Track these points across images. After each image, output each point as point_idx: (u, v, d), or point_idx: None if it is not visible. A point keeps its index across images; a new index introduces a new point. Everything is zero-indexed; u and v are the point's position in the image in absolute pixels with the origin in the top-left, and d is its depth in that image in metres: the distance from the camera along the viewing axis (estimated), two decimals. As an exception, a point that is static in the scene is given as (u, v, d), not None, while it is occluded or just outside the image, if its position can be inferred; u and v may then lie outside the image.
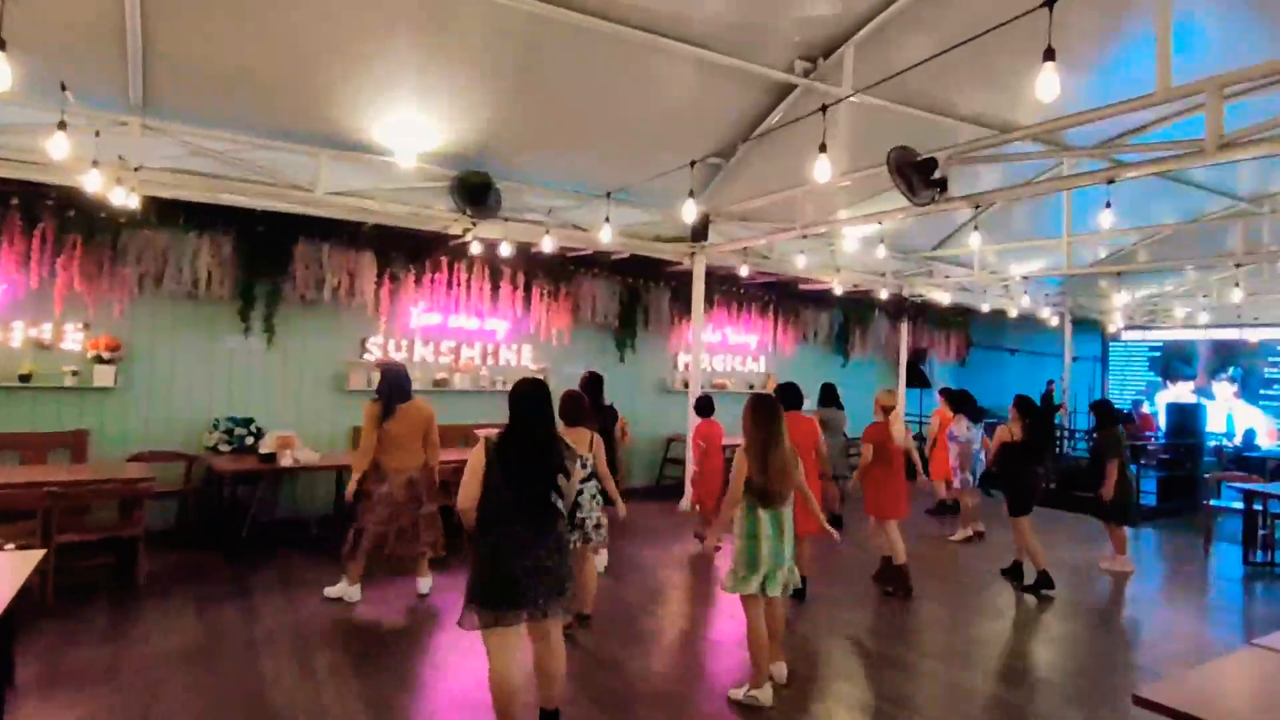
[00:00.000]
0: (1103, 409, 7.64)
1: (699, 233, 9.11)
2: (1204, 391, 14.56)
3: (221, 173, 6.50)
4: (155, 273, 7.08)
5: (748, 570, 4.14)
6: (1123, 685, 4.43)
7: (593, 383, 6.60)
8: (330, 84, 6.18)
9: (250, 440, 7.27)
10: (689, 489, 8.99)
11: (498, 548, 3.38)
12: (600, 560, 6.18)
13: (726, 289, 11.21)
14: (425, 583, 5.82)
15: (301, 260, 7.75)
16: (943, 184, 5.99)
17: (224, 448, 7.20)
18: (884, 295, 11.65)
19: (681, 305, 10.39)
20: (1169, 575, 7.71)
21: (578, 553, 4.92)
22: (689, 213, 6.82)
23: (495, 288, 9.11)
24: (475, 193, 7.32)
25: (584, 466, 4.72)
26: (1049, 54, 3.95)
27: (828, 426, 6.85)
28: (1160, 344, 15.44)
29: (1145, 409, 14.43)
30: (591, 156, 7.69)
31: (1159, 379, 15.42)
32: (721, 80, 6.63)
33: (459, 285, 8.87)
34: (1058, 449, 12.69)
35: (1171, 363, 15.22)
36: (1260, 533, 7.63)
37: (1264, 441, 13.17)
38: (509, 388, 3.67)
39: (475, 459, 3.44)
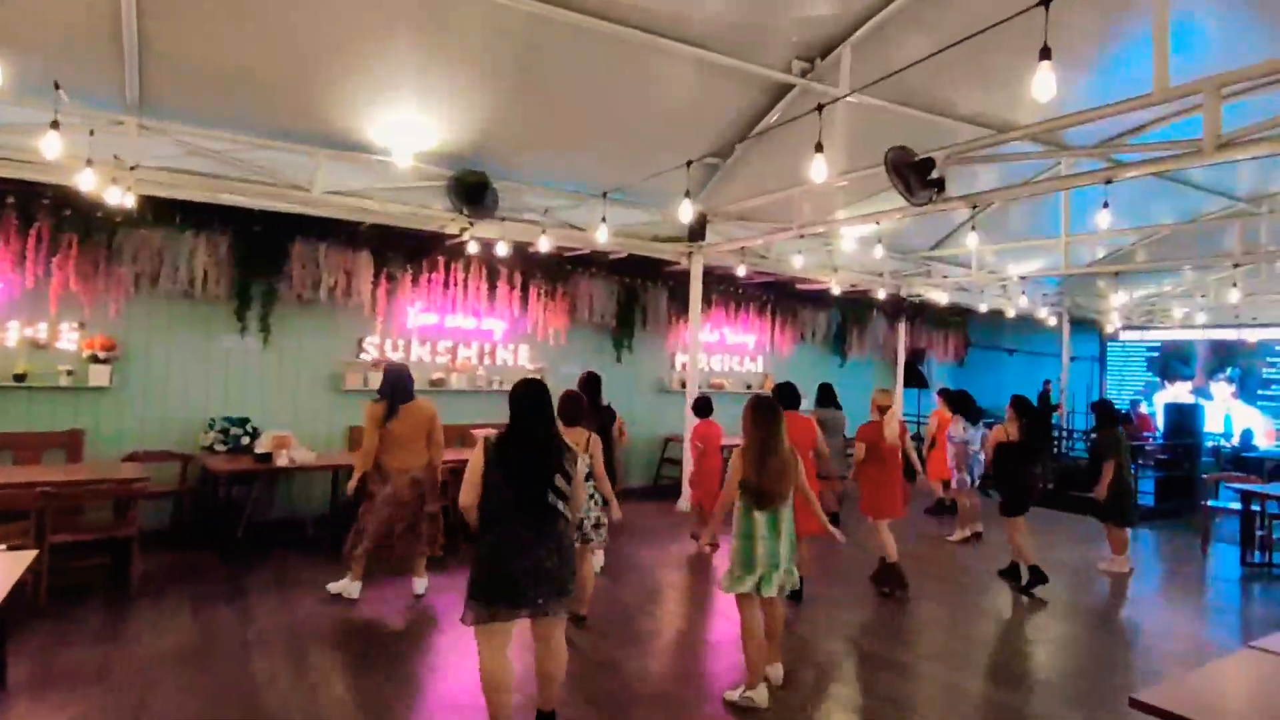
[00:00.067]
0: (1103, 409, 7.62)
1: (696, 233, 9.10)
2: (1202, 392, 14.56)
3: (218, 172, 6.48)
4: (151, 272, 7.05)
5: (743, 570, 4.13)
6: (1121, 686, 4.41)
7: (591, 383, 6.59)
8: (327, 83, 6.16)
9: (246, 440, 7.25)
10: (686, 489, 8.98)
11: (498, 547, 3.40)
12: (596, 560, 6.17)
13: (724, 289, 11.20)
14: (421, 583, 5.81)
15: (298, 260, 7.72)
16: (940, 184, 5.98)
17: (219, 448, 7.18)
18: (882, 295, 11.64)
19: (679, 305, 10.38)
20: (1167, 576, 7.71)
21: (577, 553, 4.90)
22: (685, 213, 6.81)
23: (492, 287, 9.09)
24: (472, 192, 7.30)
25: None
26: (1045, 53, 3.94)
27: (826, 427, 6.83)
28: (1158, 344, 15.45)
29: (1143, 409, 14.43)
30: (589, 156, 7.68)
31: (1157, 379, 15.42)
32: (719, 80, 6.62)
33: (456, 285, 8.86)
34: (1055, 449, 12.69)
35: (1169, 363, 15.22)
36: (1258, 533, 7.62)
37: (1262, 442, 13.17)
38: (506, 388, 3.67)
39: (475, 459, 3.47)
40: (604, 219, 7.46)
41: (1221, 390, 14.40)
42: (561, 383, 6.72)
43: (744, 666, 4.27)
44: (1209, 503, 8.60)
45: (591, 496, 4.99)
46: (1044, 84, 3.97)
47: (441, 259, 8.69)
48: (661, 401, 10.78)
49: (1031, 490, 6.76)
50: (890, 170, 5.85)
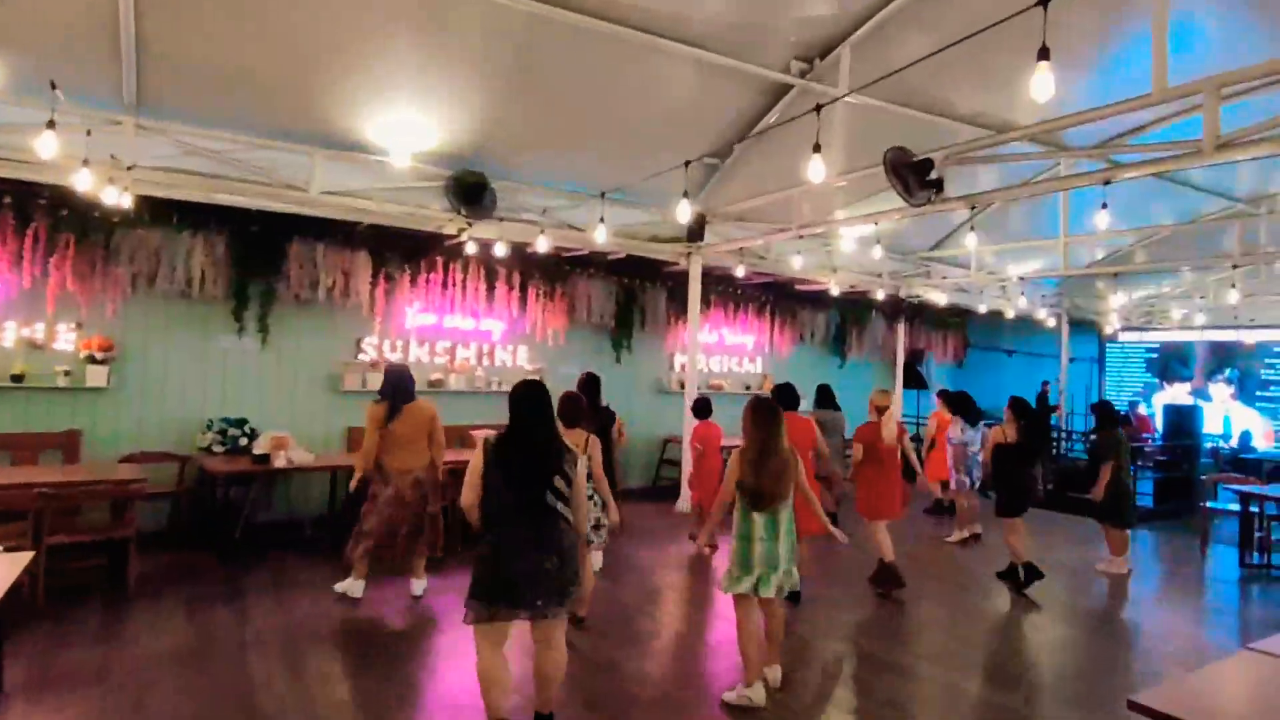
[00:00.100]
0: (1103, 410, 7.63)
1: (695, 233, 9.09)
2: (1201, 393, 14.57)
3: (215, 172, 6.46)
4: (149, 272, 7.03)
5: (741, 571, 4.15)
6: (1120, 688, 4.40)
7: (590, 384, 6.58)
8: (326, 83, 6.15)
9: (244, 441, 7.23)
10: (685, 490, 8.97)
11: (498, 548, 3.41)
12: (595, 561, 6.15)
13: (723, 289, 11.19)
14: (420, 584, 5.80)
15: (296, 260, 7.70)
16: (939, 184, 5.97)
17: (217, 448, 7.16)
18: (881, 296, 11.64)
19: (678, 306, 10.36)
20: (1166, 577, 7.70)
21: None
22: (683, 213, 6.80)
23: (491, 288, 9.08)
24: (471, 193, 7.29)
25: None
26: (1043, 53, 3.94)
27: (825, 427, 6.83)
28: (1157, 345, 15.45)
29: (1142, 410, 14.43)
30: (587, 156, 7.67)
31: (1156, 380, 15.42)
32: (719, 80, 6.62)
33: (454, 285, 8.84)
34: (1054, 450, 12.69)
35: (1168, 364, 15.23)
36: (1256, 535, 7.62)
37: (1260, 443, 13.18)
38: (505, 389, 3.68)
39: (476, 459, 3.49)
40: (602, 219, 7.45)
41: (1220, 391, 14.40)
42: (560, 383, 6.72)
43: (742, 667, 4.26)
44: (1208, 504, 8.60)
45: (590, 498, 4.97)
46: (1042, 84, 3.96)
47: (440, 259, 8.68)
48: (660, 402, 10.77)
49: (1029, 492, 6.76)
50: (889, 171, 5.84)
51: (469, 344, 9.20)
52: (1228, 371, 14.35)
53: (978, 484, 8.14)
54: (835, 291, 11.00)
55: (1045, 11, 3.95)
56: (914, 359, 13.22)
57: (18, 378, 6.59)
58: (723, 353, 11.68)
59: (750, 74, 6.48)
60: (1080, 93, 6.25)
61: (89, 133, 5.59)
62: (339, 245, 7.95)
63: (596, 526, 5.11)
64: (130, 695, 4.02)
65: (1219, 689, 2.76)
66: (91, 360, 6.85)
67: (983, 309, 12.79)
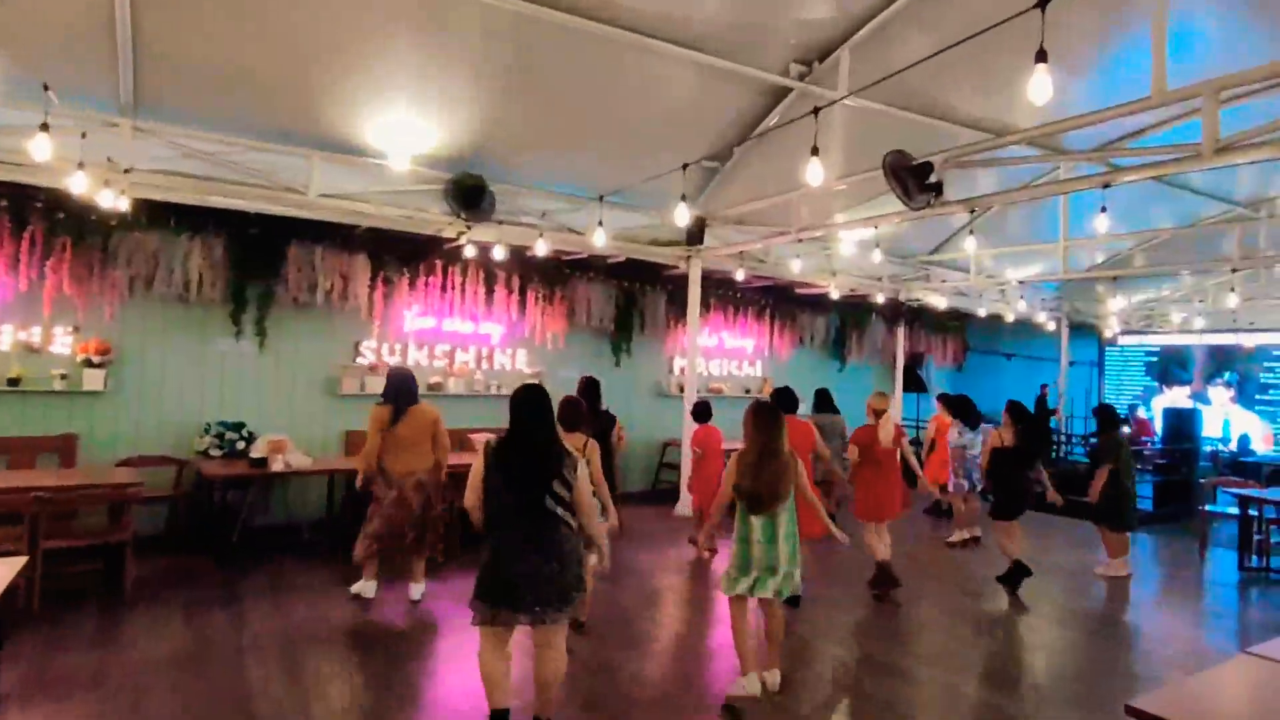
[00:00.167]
0: (1103, 414, 7.63)
1: (695, 236, 9.08)
2: (1200, 396, 14.56)
3: (213, 175, 6.45)
4: (146, 275, 7.01)
5: (738, 572, 4.20)
6: (1118, 691, 4.39)
7: (590, 388, 6.57)
8: (324, 85, 6.15)
9: (241, 445, 7.20)
10: (684, 493, 8.95)
11: (498, 551, 3.45)
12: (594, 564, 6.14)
13: (723, 293, 11.17)
14: (418, 589, 5.78)
15: (294, 263, 7.68)
16: (938, 188, 5.97)
17: (215, 452, 7.14)
18: (881, 299, 11.63)
19: (678, 309, 10.35)
20: (1165, 580, 7.69)
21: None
22: (681, 216, 6.79)
23: (490, 291, 9.06)
24: (470, 196, 7.28)
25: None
26: (1041, 56, 3.93)
27: (824, 431, 6.83)
28: (1157, 349, 15.45)
29: (1141, 414, 14.43)
30: (587, 159, 7.67)
31: (1155, 384, 15.42)
32: (718, 83, 6.62)
33: (453, 289, 8.83)
34: (1054, 454, 12.68)
35: (1168, 368, 15.22)
36: (1255, 538, 7.61)
37: (1259, 446, 13.18)
38: (504, 392, 3.69)
39: (477, 462, 3.53)
40: (600, 222, 7.45)
41: (1220, 395, 14.40)
42: (559, 387, 6.72)
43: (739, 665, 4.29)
44: (1207, 507, 8.59)
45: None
46: (1040, 87, 3.96)
47: (439, 262, 8.67)
48: (660, 406, 10.75)
49: (1026, 495, 6.78)
50: (888, 174, 5.84)
51: (468, 347, 9.19)
52: (1227, 375, 14.35)
53: (978, 487, 8.13)
54: (835, 295, 11.00)
55: (1043, 14, 3.94)
56: (914, 362, 13.22)
57: (14, 381, 6.58)
58: (722, 356, 11.67)
59: (749, 77, 6.47)
60: (1080, 96, 6.25)
61: (84, 135, 5.58)
62: (337, 248, 7.94)
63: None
64: (126, 700, 4.00)
65: (1217, 693, 2.74)
66: (88, 364, 6.83)
67: (982, 312, 12.79)
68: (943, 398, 9.33)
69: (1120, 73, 6.40)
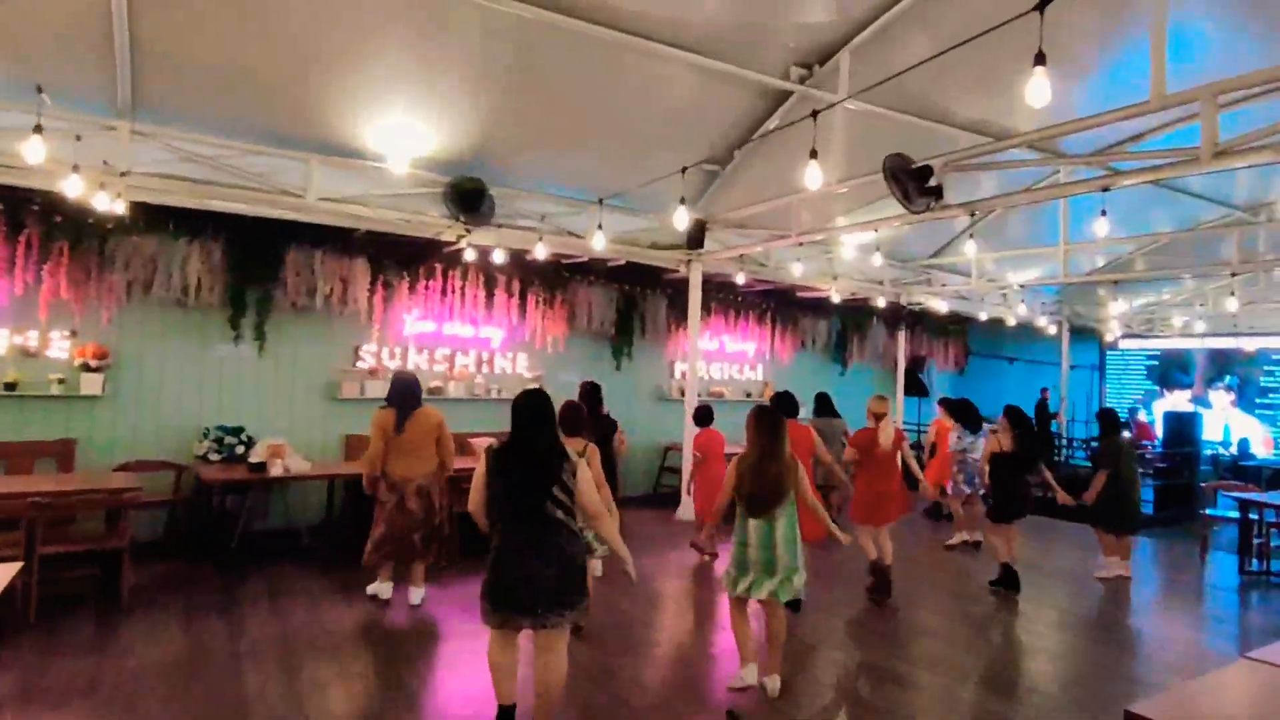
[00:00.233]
0: (1105, 418, 7.63)
1: (695, 240, 9.07)
2: (1201, 400, 14.55)
3: (211, 178, 6.43)
4: (144, 279, 6.99)
5: (737, 573, 4.29)
6: (1119, 695, 4.37)
7: (591, 392, 6.58)
8: (323, 88, 6.14)
9: (241, 449, 7.19)
10: (685, 498, 8.93)
11: (500, 555, 3.47)
12: (595, 569, 6.12)
13: (723, 296, 11.17)
14: (418, 593, 5.76)
15: (293, 267, 7.67)
16: (938, 191, 5.96)
17: (214, 457, 7.13)
18: (882, 303, 11.62)
19: (678, 313, 10.34)
20: (1165, 584, 7.66)
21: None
22: (680, 219, 6.78)
23: (490, 295, 9.05)
24: (469, 199, 7.27)
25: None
26: (1039, 59, 3.92)
27: (824, 435, 6.82)
28: (1157, 353, 15.43)
29: (1142, 417, 14.41)
30: (586, 162, 7.66)
31: (1156, 388, 15.40)
32: (718, 86, 6.61)
33: (453, 292, 8.82)
34: (1055, 457, 12.66)
35: (1168, 371, 15.21)
36: (1256, 541, 7.59)
37: (1260, 450, 13.16)
38: (505, 396, 3.71)
39: (480, 467, 3.57)
40: (600, 226, 7.44)
41: (1220, 399, 14.38)
42: (560, 391, 6.70)
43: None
44: (1207, 511, 8.57)
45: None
46: (1038, 90, 3.95)
47: (438, 266, 8.66)
48: (661, 410, 10.74)
49: (1024, 500, 6.79)
50: (888, 178, 5.83)
51: (468, 351, 9.18)
52: (1227, 379, 14.33)
53: (980, 490, 8.12)
54: (836, 299, 10.99)
55: (1042, 16, 3.94)
56: (915, 366, 13.21)
57: (11, 386, 6.56)
58: (723, 360, 11.66)
59: (750, 80, 6.47)
60: (1080, 100, 6.25)
61: (79, 138, 5.58)
62: (337, 252, 7.92)
63: (597, 535, 5.07)
64: (122, 707, 3.97)
65: (1216, 699, 2.71)
66: (86, 368, 6.81)
67: (983, 316, 12.78)
68: (944, 402, 9.32)
69: (1120, 76, 6.39)
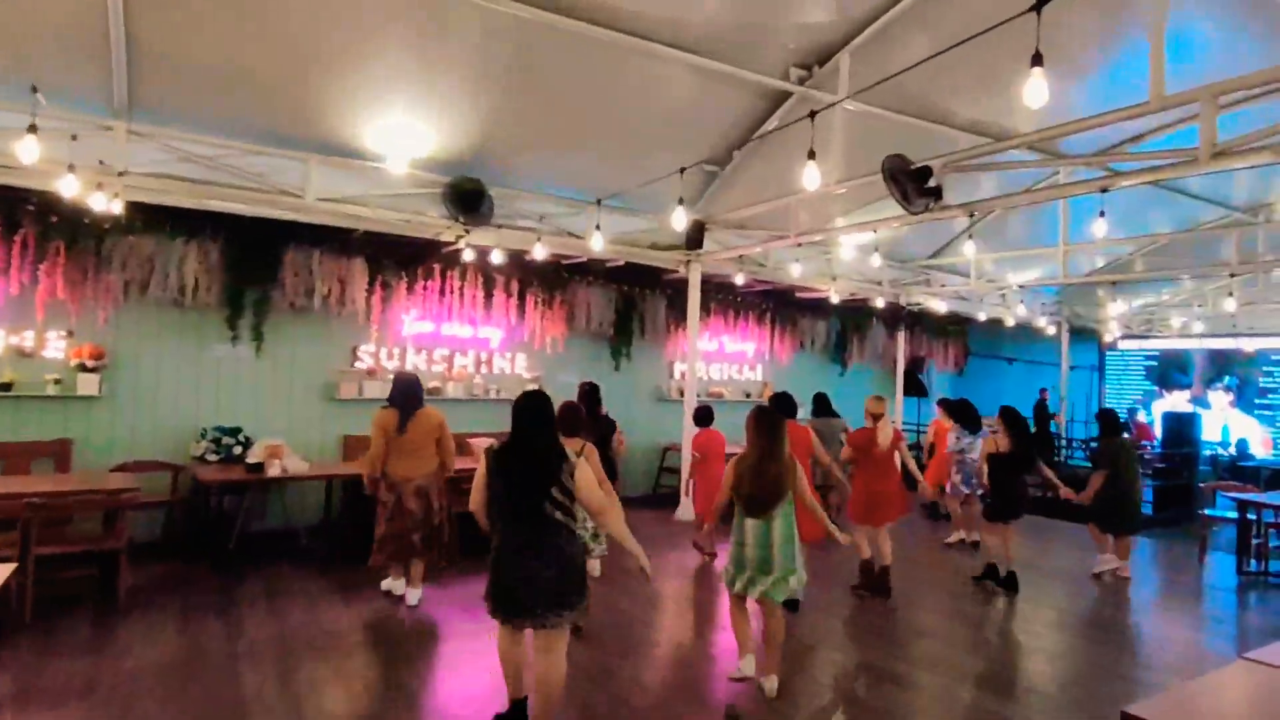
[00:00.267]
0: (1104, 419, 7.64)
1: (694, 241, 9.07)
2: (1200, 401, 14.55)
3: (209, 178, 6.41)
4: (141, 279, 6.97)
5: (735, 570, 4.32)
6: (1117, 695, 4.36)
7: (590, 393, 6.58)
8: (322, 88, 6.13)
9: (238, 450, 7.17)
10: (684, 498, 8.92)
11: (500, 555, 3.51)
12: (593, 569, 6.12)
13: (723, 297, 11.16)
14: (415, 594, 5.76)
15: (291, 267, 7.65)
16: (937, 192, 5.96)
17: (211, 457, 7.11)
18: (881, 304, 11.62)
19: (678, 313, 10.33)
20: (1163, 584, 7.66)
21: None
22: (679, 220, 6.77)
23: (489, 295, 9.04)
24: (468, 200, 7.26)
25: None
26: (1037, 59, 3.92)
27: (823, 436, 6.82)
28: (1156, 353, 15.43)
29: (1141, 418, 14.41)
30: (586, 163, 7.65)
31: (1155, 388, 15.40)
32: (717, 86, 6.61)
33: (452, 293, 8.81)
34: (1054, 457, 12.65)
35: (1167, 372, 15.21)
36: (1254, 542, 7.58)
37: (1258, 451, 13.16)
38: (504, 397, 3.72)
39: (481, 467, 3.60)
40: (598, 226, 7.43)
41: (1219, 399, 14.38)
42: (559, 391, 6.69)
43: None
44: (1206, 512, 8.57)
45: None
46: (1036, 90, 3.95)
47: (437, 266, 8.65)
48: (660, 410, 10.73)
49: (1021, 500, 6.81)
50: (887, 178, 5.83)
51: (467, 352, 9.17)
52: (1226, 379, 14.34)
53: (979, 491, 8.12)
54: (835, 299, 10.98)
55: (1039, 17, 3.93)
56: (914, 367, 13.21)
57: (7, 386, 6.54)
58: (723, 360, 11.65)
59: (749, 80, 6.47)
60: (1079, 100, 6.24)
61: (75, 138, 5.57)
62: (335, 252, 7.91)
63: (595, 536, 5.09)
64: (118, 708, 3.96)
65: (1215, 700, 2.71)
66: (83, 368, 6.79)
67: (983, 317, 12.78)
68: (943, 402, 9.32)
69: (1120, 77, 6.39)
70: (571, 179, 7.93)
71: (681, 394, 10.06)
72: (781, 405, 6.18)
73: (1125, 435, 7.85)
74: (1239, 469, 11.79)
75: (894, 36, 6.02)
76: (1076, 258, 10.98)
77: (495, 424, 8.60)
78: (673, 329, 10.62)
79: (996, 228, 10.18)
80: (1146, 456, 12.16)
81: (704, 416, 7.65)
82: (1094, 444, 8.44)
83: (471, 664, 4.74)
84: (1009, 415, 6.77)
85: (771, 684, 4.33)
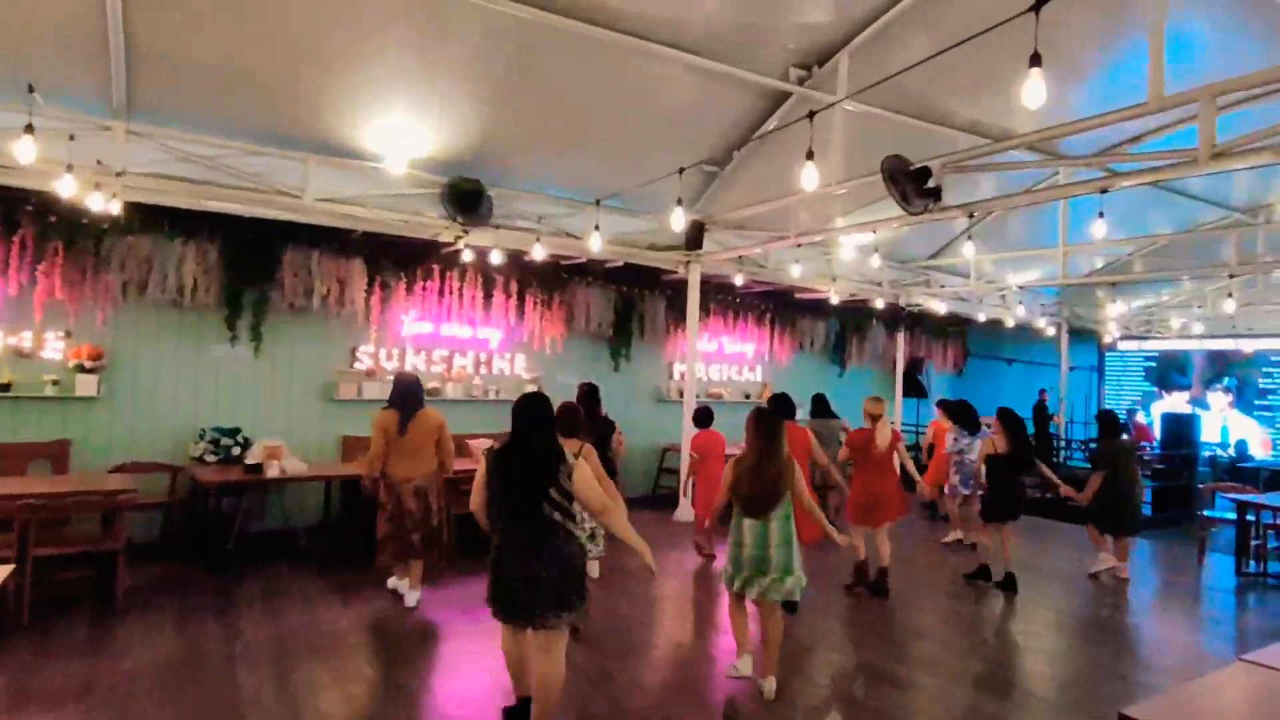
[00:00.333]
0: (1104, 420, 7.64)
1: (694, 241, 9.06)
2: (1199, 402, 14.55)
3: (208, 178, 6.41)
4: (139, 280, 6.95)
5: (733, 570, 4.34)
6: (1117, 696, 4.35)
7: (589, 394, 6.57)
8: (321, 88, 6.12)
9: (237, 450, 7.16)
10: (684, 499, 8.92)
11: (499, 555, 3.53)
12: (592, 570, 6.11)
13: (722, 298, 11.15)
14: (414, 595, 5.75)
15: (290, 267, 7.64)
16: (937, 193, 5.95)
17: (210, 458, 7.09)
18: (881, 304, 11.61)
19: (677, 314, 10.32)
20: (1162, 585, 7.65)
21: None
22: (677, 221, 6.77)
23: (488, 296, 9.03)
24: (467, 200, 7.25)
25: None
26: (1035, 59, 3.92)
27: (821, 437, 6.82)
28: (1156, 354, 15.43)
29: (1140, 419, 14.41)
30: (585, 163, 7.65)
31: (1155, 389, 15.40)
32: (717, 87, 6.61)
33: (451, 293, 8.80)
34: (1054, 458, 12.65)
35: (1167, 373, 15.21)
36: (1253, 543, 7.58)
37: (1257, 451, 13.16)
38: (503, 397, 3.73)
39: (481, 468, 3.62)
40: (597, 227, 7.42)
41: (1218, 400, 14.38)
42: (558, 392, 6.68)
43: (738, 679, 4.32)
44: (1205, 513, 8.56)
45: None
46: (1034, 91, 3.95)
47: (436, 267, 8.64)
48: (659, 411, 10.72)
49: (1019, 500, 6.82)
50: (887, 179, 5.82)
51: (466, 352, 9.16)
52: (1226, 380, 14.34)
53: (978, 491, 8.12)
54: (835, 300, 10.98)
55: (1037, 17, 3.93)
56: (914, 367, 13.21)
57: (4, 387, 6.52)
58: (722, 361, 11.65)
59: (748, 81, 6.46)
60: (1079, 101, 6.24)
61: (72, 138, 5.56)
62: (334, 253, 7.89)
63: (593, 536, 5.08)
64: (116, 709, 3.95)
65: (1212, 701, 2.70)
66: (81, 369, 6.77)
67: (982, 318, 12.78)
68: (942, 403, 9.32)
69: (1119, 78, 6.39)
70: (571, 179, 7.92)
71: (681, 395, 10.05)
72: (780, 406, 6.17)
73: (1125, 436, 7.84)
74: (1238, 470, 11.78)
75: (893, 37, 6.02)
76: (1076, 258, 10.98)
77: (494, 425, 8.59)
78: (672, 330, 10.61)
79: (996, 228, 10.18)
80: (1145, 458, 12.17)
81: (704, 417, 7.64)
82: (1093, 445, 8.43)
83: (470, 665, 4.74)
84: (1006, 416, 6.79)
85: (770, 686, 4.33)
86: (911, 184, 5.89)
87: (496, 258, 7.89)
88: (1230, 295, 10.77)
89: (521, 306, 9.24)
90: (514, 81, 6.32)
